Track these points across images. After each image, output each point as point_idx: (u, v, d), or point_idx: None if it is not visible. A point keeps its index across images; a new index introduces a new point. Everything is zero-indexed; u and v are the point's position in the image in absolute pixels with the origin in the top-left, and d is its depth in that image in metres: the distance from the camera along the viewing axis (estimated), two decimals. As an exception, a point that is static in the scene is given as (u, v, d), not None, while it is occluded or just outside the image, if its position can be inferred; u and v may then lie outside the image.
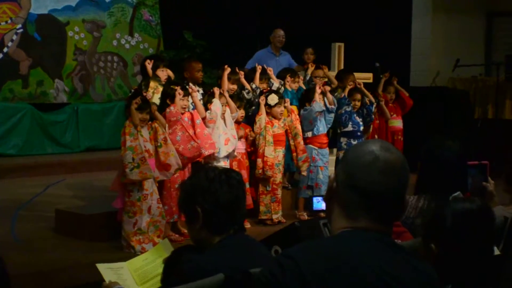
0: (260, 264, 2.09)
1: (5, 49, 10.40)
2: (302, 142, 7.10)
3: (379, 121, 8.34)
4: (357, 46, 9.62)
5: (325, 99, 7.31)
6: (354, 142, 7.24)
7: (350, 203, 1.84)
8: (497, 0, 11.44)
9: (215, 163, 6.12)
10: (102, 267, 2.79)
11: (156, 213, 5.77)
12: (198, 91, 6.51)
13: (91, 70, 11.36)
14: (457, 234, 2.22)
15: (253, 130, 6.93)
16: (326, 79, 7.93)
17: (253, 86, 7.19)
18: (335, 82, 7.89)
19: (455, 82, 10.66)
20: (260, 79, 7.32)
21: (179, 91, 6.05)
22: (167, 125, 6.00)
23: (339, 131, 7.62)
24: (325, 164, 7.33)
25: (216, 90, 6.47)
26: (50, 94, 10.84)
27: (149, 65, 6.38)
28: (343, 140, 7.52)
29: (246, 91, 7.08)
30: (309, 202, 7.29)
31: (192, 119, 6.24)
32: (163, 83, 6.31)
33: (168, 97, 6.08)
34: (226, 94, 6.60)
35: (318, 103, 7.16)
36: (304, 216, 7.15)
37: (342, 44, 8.78)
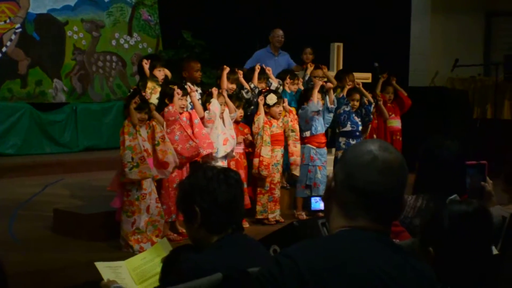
0: (258, 263, 2.09)
1: (3, 49, 10.40)
2: (295, 144, 7.08)
3: (377, 121, 8.34)
4: (356, 46, 9.61)
5: (327, 97, 7.31)
6: (352, 142, 7.24)
7: (349, 202, 1.84)
8: (496, 0, 11.44)
9: (213, 163, 6.12)
10: (100, 266, 2.79)
11: (154, 212, 5.77)
12: (196, 90, 6.50)
13: (90, 69, 11.36)
14: (454, 237, 2.23)
15: (251, 129, 6.93)
16: (325, 79, 7.92)
17: (252, 85, 7.18)
18: (334, 82, 7.88)
19: (454, 82, 10.67)
20: (259, 78, 7.31)
21: (177, 90, 6.06)
22: (165, 124, 6.00)
23: (337, 130, 7.63)
24: (323, 163, 7.33)
25: (215, 90, 6.46)
26: (48, 94, 10.84)
27: (146, 65, 6.37)
28: (342, 139, 7.53)
29: (245, 90, 7.08)
30: (307, 202, 7.30)
31: (190, 119, 6.24)
32: (161, 83, 6.30)
33: (166, 96, 6.08)
34: (225, 94, 6.60)
35: (314, 102, 7.16)
36: (303, 215, 7.15)
37: (341, 44, 8.77)
